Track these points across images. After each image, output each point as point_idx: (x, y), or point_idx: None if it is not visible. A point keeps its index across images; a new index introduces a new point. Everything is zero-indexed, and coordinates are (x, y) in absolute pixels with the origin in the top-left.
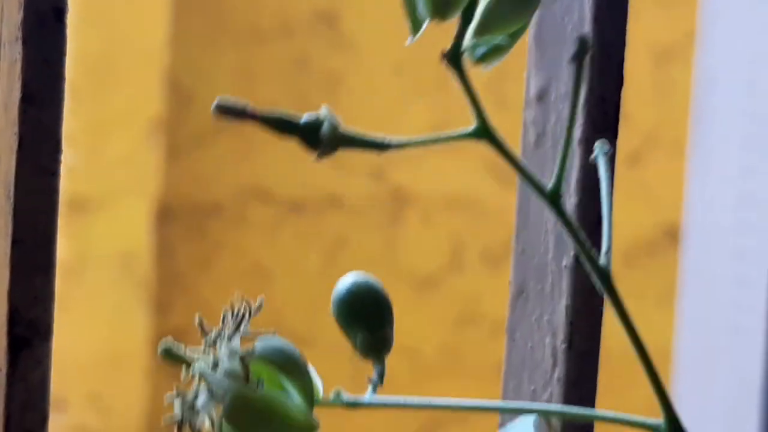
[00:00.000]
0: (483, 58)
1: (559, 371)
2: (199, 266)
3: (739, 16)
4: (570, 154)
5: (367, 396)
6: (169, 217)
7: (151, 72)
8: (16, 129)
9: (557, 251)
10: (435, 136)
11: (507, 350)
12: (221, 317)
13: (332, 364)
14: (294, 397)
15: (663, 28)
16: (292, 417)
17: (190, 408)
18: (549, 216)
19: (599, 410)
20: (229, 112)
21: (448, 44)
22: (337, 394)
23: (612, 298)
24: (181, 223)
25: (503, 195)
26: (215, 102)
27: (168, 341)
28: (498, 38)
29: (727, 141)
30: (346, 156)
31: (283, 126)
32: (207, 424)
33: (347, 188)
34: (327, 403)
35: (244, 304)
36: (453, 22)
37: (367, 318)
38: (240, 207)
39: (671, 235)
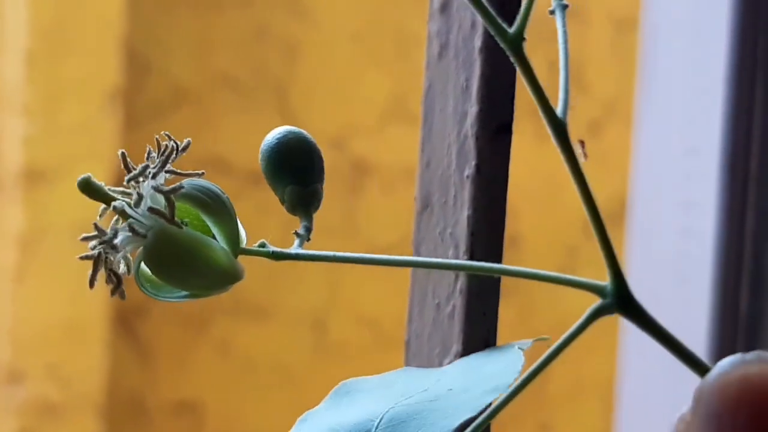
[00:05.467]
0: None
1: (461, 283)
2: None
3: None
4: (471, 64)
5: (294, 248)
6: None
7: (108, 40)
8: None
9: (459, 162)
10: None
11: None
12: (145, 154)
13: (291, 335)
14: (219, 242)
15: None
16: (216, 260)
17: (109, 245)
18: (452, 128)
19: (541, 270)
20: None
21: (405, 15)
22: (262, 244)
23: (564, 149)
24: None
25: None
26: None
27: (87, 176)
28: None
29: (672, 102)
30: (305, 125)
31: None
32: (123, 266)
33: None
34: (251, 253)
35: (170, 141)
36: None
37: (297, 169)
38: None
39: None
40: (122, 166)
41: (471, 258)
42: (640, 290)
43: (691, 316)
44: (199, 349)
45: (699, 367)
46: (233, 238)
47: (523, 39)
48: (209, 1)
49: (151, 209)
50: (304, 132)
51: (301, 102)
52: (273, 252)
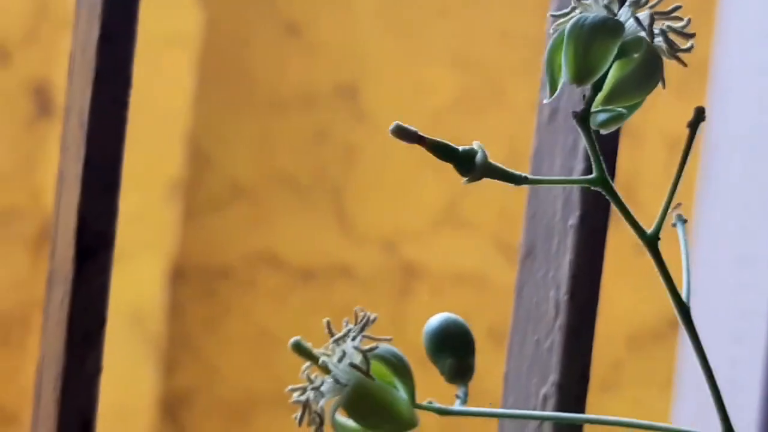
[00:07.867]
0: (603, 124)
1: (560, 320)
2: (207, 328)
3: (744, 100)
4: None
5: (456, 406)
6: (181, 277)
7: (173, 133)
8: (93, 65)
9: (564, 212)
10: (560, 178)
11: (514, 307)
12: (344, 325)
13: None
14: (402, 395)
15: (678, 116)
16: (400, 411)
17: (317, 391)
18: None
19: (634, 419)
20: (404, 134)
21: (463, 121)
22: (430, 402)
23: (690, 332)
24: (193, 283)
25: (512, 274)
26: (393, 125)
27: (297, 339)
28: (619, 108)
29: (728, 218)
30: (359, 226)
31: (445, 152)
32: (320, 406)
33: (358, 259)
34: (422, 407)
35: (365, 314)
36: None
37: (455, 347)
38: (250, 272)
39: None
40: (326, 331)
41: (571, 299)
42: (689, 397)
43: (742, 424)
44: None
45: None
46: (412, 393)
47: (658, 239)
48: (273, 102)
49: (351, 364)
50: (460, 318)
51: (356, 203)
52: (439, 408)
